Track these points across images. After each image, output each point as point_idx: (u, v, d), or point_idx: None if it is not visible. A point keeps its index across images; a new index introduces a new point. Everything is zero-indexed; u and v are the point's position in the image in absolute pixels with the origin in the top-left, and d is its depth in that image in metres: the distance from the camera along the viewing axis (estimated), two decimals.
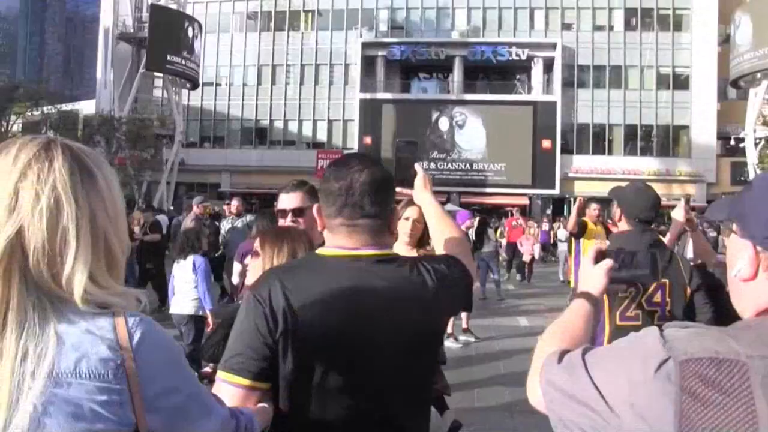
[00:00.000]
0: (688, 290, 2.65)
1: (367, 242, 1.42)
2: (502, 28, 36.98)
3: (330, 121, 37.72)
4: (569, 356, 0.96)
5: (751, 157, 28.37)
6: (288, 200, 2.52)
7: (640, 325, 2.41)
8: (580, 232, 7.32)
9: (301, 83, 37.84)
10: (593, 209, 7.42)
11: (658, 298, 2.62)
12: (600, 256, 1.35)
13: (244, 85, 38.41)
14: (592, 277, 1.32)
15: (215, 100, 38.67)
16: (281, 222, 2.52)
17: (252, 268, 2.10)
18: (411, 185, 1.76)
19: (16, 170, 0.93)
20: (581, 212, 7.34)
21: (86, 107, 37.66)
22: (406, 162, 1.79)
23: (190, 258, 5.52)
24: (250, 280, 2.06)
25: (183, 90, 36.04)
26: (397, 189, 1.62)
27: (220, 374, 1.34)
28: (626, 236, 2.73)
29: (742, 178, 33.79)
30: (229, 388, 1.31)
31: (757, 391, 0.75)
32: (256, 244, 2.08)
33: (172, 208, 28.25)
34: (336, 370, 1.34)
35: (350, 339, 1.34)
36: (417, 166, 1.75)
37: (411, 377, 1.44)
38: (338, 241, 1.43)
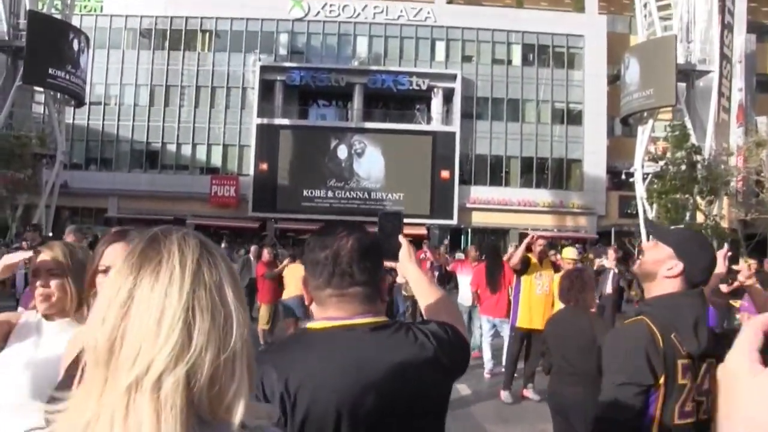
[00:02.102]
0: None
1: (360, 311, 1.39)
2: (403, 57, 38.07)
3: (225, 146, 37.35)
4: None
5: (640, 191, 30.15)
6: None
7: (693, 424, 1.96)
8: (524, 268, 7.28)
9: (196, 106, 37.33)
10: (538, 245, 7.44)
11: (707, 383, 1.99)
12: None
13: (135, 105, 37.43)
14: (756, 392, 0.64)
15: (103, 119, 37.46)
16: None
17: None
18: (395, 257, 1.70)
19: (189, 277, 0.79)
20: (529, 248, 7.30)
21: None
22: (389, 233, 1.73)
23: None
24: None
25: (67, 107, 34.73)
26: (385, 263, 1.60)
27: None
28: (676, 301, 2.03)
29: (629, 211, 36.09)
30: None
31: None
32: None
33: (51, 234, 26.99)
34: None
35: (355, 412, 1.28)
36: (401, 238, 1.71)
37: None
38: (329, 313, 1.40)
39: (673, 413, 1.94)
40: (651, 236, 1.97)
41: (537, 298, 7.30)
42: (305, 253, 1.45)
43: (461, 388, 7.74)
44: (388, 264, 1.65)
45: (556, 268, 7.54)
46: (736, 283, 11.84)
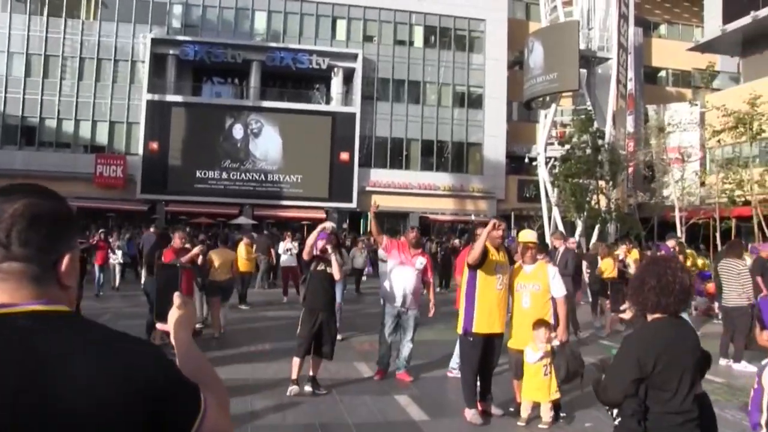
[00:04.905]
0: None
1: (24, 296, 1.16)
2: (303, 35, 38.18)
3: (112, 123, 36.20)
4: None
5: (543, 174, 31.06)
6: None
7: None
8: (482, 261, 6.01)
9: (80, 78, 35.90)
10: (498, 231, 6.11)
11: None
12: None
13: (8, 75, 35.34)
14: None
15: None
16: None
17: None
18: (165, 317, 1.51)
19: None
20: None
21: None
22: (166, 288, 1.56)
23: None
24: None
25: None
26: (158, 326, 1.46)
27: None
28: None
29: (527, 195, 38.03)
30: None
31: None
32: None
33: None
34: None
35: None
36: (176, 296, 1.50)
37: None
38: None
39: None
40: None
41: (497, 296, 6.14)
42: None
43: (411, 411, 6.48)
44: (162, 327, 1.49)
45: (513, 260, 6.45)
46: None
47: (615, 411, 2.95)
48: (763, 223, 21.23)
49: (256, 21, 38.11)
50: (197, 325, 10.53)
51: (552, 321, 6.09)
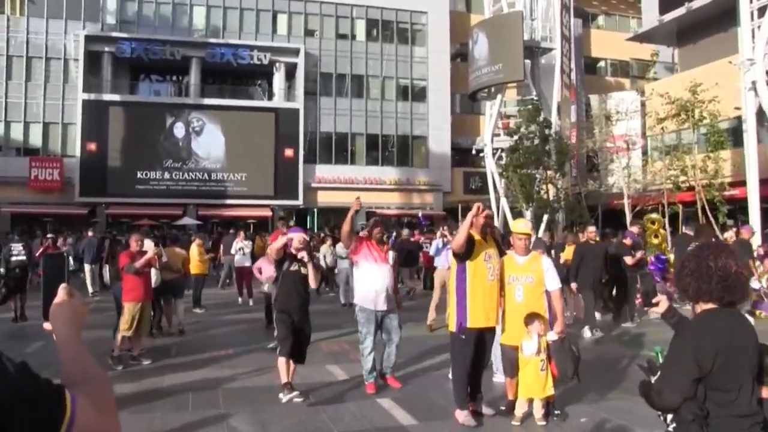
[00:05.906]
0: None
1: None
2: (244, 30, 37.68)
3: (46, 124, 34.91)
4: None
5: (491, 166, 31.30)
6: None
7: None
8: (468, 251, 5.73)
9: (8, 78, 34.40)
10: (483, 217, 5.81)
11: None
12: None
13: None
14: None
15: None
16: None
17: None
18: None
19: None
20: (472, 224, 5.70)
21: None
22: (51, 279, 1.44)
23: None
24: None
25: None
26: (44, 325, 1.35)
27: None
28: None
29: (473, 187, 38.57)
30: None
31: None
32: None
33: None
34: None
35: None
36: (62, 287, 1.39)
37: None
38: None
39: None
40: None
41: (489, 287, 5.82)
42: None
43: (398, 415, 6.17)
44: (48, 327, 1.35)
45: (502, 251, 6.13)
46: (638, 255, 12.91)
47: (669, 416, 2.60)
48: (707, 207, 22.11)
49: (194, 16, 37.35)
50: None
51: (547, 315, 5.91)
